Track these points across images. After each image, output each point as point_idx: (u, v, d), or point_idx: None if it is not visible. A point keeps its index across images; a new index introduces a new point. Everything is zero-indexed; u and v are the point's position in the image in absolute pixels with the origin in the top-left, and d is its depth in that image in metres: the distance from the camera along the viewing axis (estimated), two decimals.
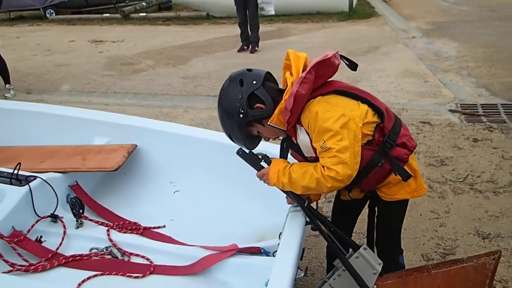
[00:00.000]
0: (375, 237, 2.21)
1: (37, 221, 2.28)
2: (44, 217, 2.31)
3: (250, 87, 1.84)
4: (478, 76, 6.32)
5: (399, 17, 11.51)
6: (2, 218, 2.14)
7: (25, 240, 2.18)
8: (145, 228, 2.51)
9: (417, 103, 5.46)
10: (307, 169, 1.77)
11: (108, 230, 2.33)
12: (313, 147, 1.82)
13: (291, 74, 1.86)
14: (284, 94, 1.81)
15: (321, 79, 1.83)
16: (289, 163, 1.88)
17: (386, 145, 1.83)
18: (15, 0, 13.33)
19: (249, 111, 1.84)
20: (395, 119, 1.92)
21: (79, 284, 2.02)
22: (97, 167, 2.61)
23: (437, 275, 2.18)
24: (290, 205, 2.07)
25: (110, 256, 2.21)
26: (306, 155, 1.93)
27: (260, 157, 1.94)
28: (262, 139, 2.02)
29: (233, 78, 1.89)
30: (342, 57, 1.90)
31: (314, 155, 1.85)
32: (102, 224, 2.43)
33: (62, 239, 2.26)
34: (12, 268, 2.06)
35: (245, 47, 8.60)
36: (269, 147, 2.18)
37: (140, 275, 2.10)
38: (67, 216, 2.40)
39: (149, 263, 2.17)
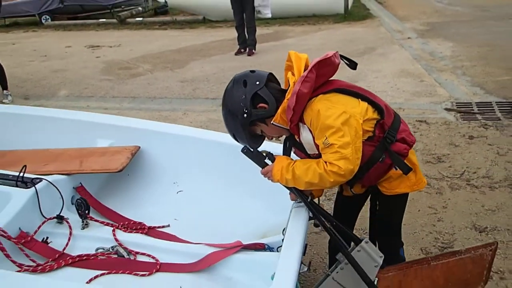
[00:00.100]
0: (377, 231, 2.26)
1: (43, 223, 2.32)
2: (50, 218, 2.36)
3: (253, 88, 1.90)
4: (473, 75, 6.39)
5: (394, 18, 11.59)
6: (9, 219, 2.18)
7: (32, 241, 2.22)
8: (149, 228, 2.55)
9: (414, 102, 5.52)
10: (310, 165, 1.82)
11: (113, 230, 2.37)
12: (315, 144, 1.87)
13: (293, 74, 1.92)
14: (287, 93, 1.87)
15: (322, 78, 1.89)
16: (292, 160, 1.94)
17: (387, 141, 1.89)
18: (10, 7, 13.39)
19: (252, 111, 1.89)
20: (394, 115, 1.98)
21: (89, 280, 2.05)
22: (101, 168, 2.65)
23: (437, 267, 2.24)
24: (293, 201, 2.12)
25: (116, 256, 2.25)
26: (309, 152, 1.99)
27: (264, 154, 2.00)
28: (266, 138, 2.08)
29: (237, 79, 1.95)
30: (342, 56, 1.96)
31: (317, 152, 1.91)
32: (107, 224, 2.48)
33: (69, 240, 2.30)
34: (20, 269, 2.10)
35: (242, 50, 8.65)
36: (273, 147, 2.22)
37: (147, 273, 2.14)
38: (73, 217, 2.44)
39: (155, 261, 2.21)
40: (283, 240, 1.97)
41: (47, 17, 14.60)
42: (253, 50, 8.59)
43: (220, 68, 7.73)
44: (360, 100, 1.90)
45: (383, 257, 2.02)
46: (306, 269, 2.12)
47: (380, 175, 1.98)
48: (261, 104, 1.91)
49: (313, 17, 11.97)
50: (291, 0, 12.03)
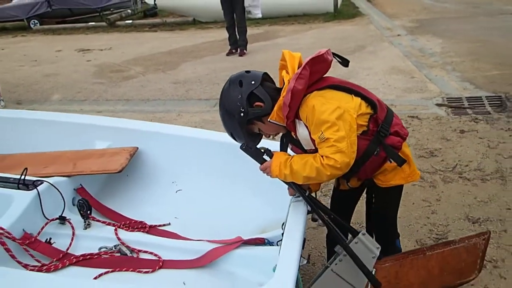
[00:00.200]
0: (374, 223, 2.32)
1: (46, 224, 2.36)
2: (52, 220, 2.39)
3: (249, 87, 1.95)
4: (463, 71, 6.49)
5: (383, 16, 11.69)
6: (13, 221, 2.21)
7: (36, 242, 2.25)
8: (151, 226, 2.59)
9: (405, 98, 5.61)
10: (307, 160, 1.88)
11: (115, 230, 2.41)
12: (312, 139, 1.93)
13: (287, 73, 1.97)
14: (282, 91, 1.92)
15: (316, 74, 1.95)
16: (290, 155, 1.99)
17: (380, 134, 1.95)
18: None
19: (249, 110, 1.94)
20: (387, 109, 2.04)
21: (94, 278, 2.09)
22: (101, 169, 2.69)
23: (432, 257, 2.30)
24: (292, 196, 2.17)
25: (119, 254, 2.29)
26: (305, 148, 2.04)
27: (262, 151, 2.05)
28: (263, 136, 2.13)
29: (233, 80, 2.00)
30: (334, 54, 2.02)
31: (314, 148, 1.96)
32: (109, 224, 2.52)
33: (72, 240, 2.34)
34: (25, 269, 2.14)
35: (233, 51, 8.69)
36: (270, 144, 2.27)
37: (150, 270, 2.19)
38: (75, 218, 2.48)
39: (157, 258, 2.26)
40: (282, 234, 2.02)
41: (36, 21, 14.51)
42: (244, 51, 8.63)
43: (212, 69, 7.77)
44: (353, 95, 1.97)
45: (380, 248, 2.07)
46: (305, 262, 2.18)
47: (375, 168, 2.04)
48: (257, 103, 1.96)
49: (303, 16, 12.03)
50: (281, 0, 12.11)
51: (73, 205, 2.61)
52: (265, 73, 2.05)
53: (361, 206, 2.49)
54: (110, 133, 3.04)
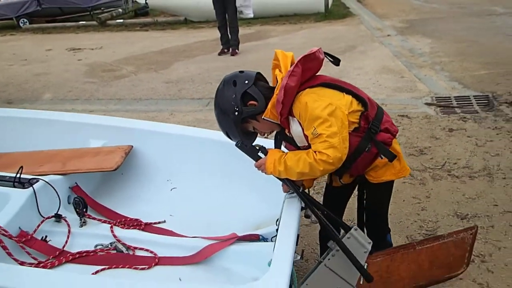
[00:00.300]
0: (365, 218, 2.38)
1: (42, 221, 2.38)
2: (48, 217, 2.41)
3: (243, 87, 1.99)
4: (451, 70, 6.58)
5: (374, 16, 11.78)
6: (9, 219, 2.23)
7: (32, 240, 2.28)
8: (146, 224, 2.62)
9: (395, 97, 5.68)
10: (300, 156, 1.93)
11: (111, 227, 2.43)
12: (305, 135, 1.98)
13: (280, 71, 2.02)
14: (275, 89, 1.97)
15: (308, 72, 2.00)
16: (284, 152, 2.04)
17: (371, 131, 2.01)
18: None
19: (243, 109, 1.99)
20: (377, 107, 2.10)
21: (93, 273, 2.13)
22: (96, 167, 2.71)
23: (422, 251, 2.36)
24: (286, 193, 2.21)
25: (115, 251, 2.32)
26: (299, 145, 2.09)
27: (257, 148, 2.09)
28: (258, 134, 2.18)
29: (227, 80, 2.05)
30: (325, 53, 2.07)
31: (307, 144, 2.01)
32: (104, 222, 2.54)
33: (68, 238, 2.36)
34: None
35: (225, 50, 8.72)
36: (264, 142, 2.31)
37: (146, 266, 2.22)
38: (70, 215, 2.51)
39: (153, 255, 2.29)
40: (277, 230, 2.06)
41: (25, 20, 14.43)
42: (236, 50, 8.66)
43: (204, 68, 7.80)
44: (344, 93, 2.02)
45: (372, 243, 2.13)
46: (299, 257, 2.22)
47: (367, 164, 2.10)
48: (251, 102, 2.01)
49: (295, 16, 12.10)
50: (273, 0, 12.15)
51: (69, 203, 2.63)
52: (258, 73, 2.09)
53: (352, 203, 2.54)
54: (105, 132, 3.06)
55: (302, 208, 2.16)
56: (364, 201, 2.36)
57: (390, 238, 2.46)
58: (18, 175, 2.45)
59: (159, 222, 2.67)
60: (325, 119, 1.87)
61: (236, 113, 1.99)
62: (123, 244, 2.34)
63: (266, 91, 2.03)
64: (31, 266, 2.15)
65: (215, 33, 8.94)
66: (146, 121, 3.26)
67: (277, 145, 2.18)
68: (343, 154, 1.88)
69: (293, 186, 2.08)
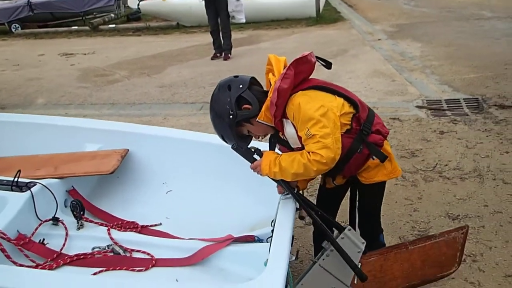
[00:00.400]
0: (357, 218, 2.42)
1: (40, 225, 2.40)
2: (46, 221, 2.44)
3: (237, 91, 2.04)
4: (441, 74, 6.67)
5: (365, 20, 11.88)
6: (8, 222, 2.25)
7: (30, 243, 2.29)
8: (142, 227, 2.65)
9: (386, 101, 5.75)
10: (294, 157, 1.97)
11: (108, 230, 2.46)
12: (299, 137, 2.02)
13: (274, 75, 2.08)
14: (269, 92, 2.02)
15: (300, 75, 2.05)
16: (279, 154, 2.08)
17: (363, 133, 2.06)
18: None
19: (238, 112, 2.04)
20: (368, 109, 2.15)
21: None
22: (93, 171, 2.74)
23: (414, 251, 2.41)
24: (281, 194, 2.25)
25: (112, 253, 2.35)
26: (293, 146, 2.13)
27: (252, 150, 2.14)
28: (253, 138, 2.22)
29: (222, 84, 2.10)
30: (317, 57, 2.12)
31: (300, 146, 2.06)
32: (101, 224, 2.57)
33: (65, 240, 2.38)
34: None
35: (218, 55, 8.76)
36: (259, 145, 2.36)
37: (143, 268, 2.24)
38: (67, 219, 2.53)
39: (150, 257, 2.32)
40: (272, 231, 2.10)
41: (17, 25, 14.35)
42: (229, 55, 8.71)
43: (197, 72, 7.83)
44: (336, 96, 2.08)
45: (365, 243, 2.17)
46: (294, 258, 2.25)
47: (359, 165, 2.15)
48: (245, 106, 2.05)
49: (286, 21, 12.16)
50: (264, 5, 12.23)
51: (65, 206, 2.65)
52: (253, 77, 2.14)
53: (344, 205, 2.59)
54: (100, 136, 3.09)
55: (296, 209, 2.21)
56: (357, 202, 2.41)
57: (383, 238, 2.51)
58: (15, 179, 2.47)
59: (155, 225, 2.70)
60: (318, 120, 1.92)
61: (231, 116, 2.03)
62: (120, 247, 2.37)
63: (260, 95, 2.08)
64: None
65: (208, 38, 8.98)
66: (141, 125, 3.30)
67: (272, 148, 2.22)
68: (336, 155, 1.93)
69: (288, 187, 2.12)
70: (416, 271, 2.45)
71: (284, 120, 2.07)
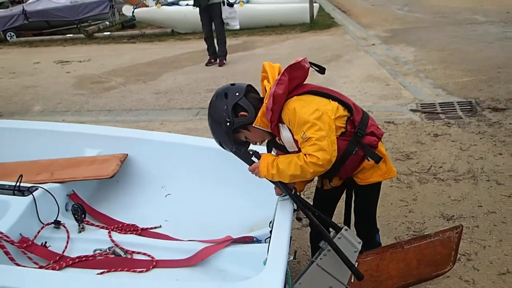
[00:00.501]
0: (353, 219, 2.47)
1: (42, 228, 2.44)
2: (48, 224, 2.48)
3: (234, 99, 2.10)
4: (435, 78, 6.76)
5: (358, 26, 12.00)
6: (11, 225, 2.30)
7: (33, 245, 2.34)
8: (142, 229, 2.69)
9: (381, 105, 5.82)
10: (291, 159, 2.03)
11: (109, 232, 2.50)
12: (295, 140, 2.07)
13: (269, 82, 2.14)
14: (265, 98, 2.07)
15: (294, 80, 2.11)
16: (276, 156, 2.13)
17: (358, 135, 2.12)
18: None
19: (235, 119, 2.10)
20: (362, 112, 2.21)
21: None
22: (93, 175, 2.78)
23: (409, 250, 2.46)
24: (278, 195, 2.30)
25: (113, 255, 2.38)
26: (289, 150, 2.19)
27: (251, 153, 2.19)
28: (250, 144, 2.27)
29: (219, 92, 2.16)
30: (311, 63, 2.18)
31: (297, 149, 2.11)
32: (102, 227, 2.61)
33: (67, 243, 2.42)
34: None
35: (212, 61, 8.82)
36: (257, 149, 2.40)
37: (144, 269, 2.28)
38: (68, 222, 2.57)
39: (151, 258, 2.36)
40: (270, 232, 2.14)
41: (12, 34, 14.40)
42: (224, 61, 8.77)
43: (193, 79, 7.89)
44: (330, 100, 2.13)
45: (362, 243, 2.22)
46: (292, 258, 2.30)
47: (355, 166, 2.20)
48: (242, 113, 2.11)
49: (280, 27, 12.27)
50: (258, 11, 12.33)
51: (66, 210, 2.69)
52: (249, 85, 2.21)
53: (339, 207, 2.63)
54: (99, 141, 3.13)
55: (294, 210, 2.25)
56: (353, 203, 2.45)
57: (379, 238, 2.56)
58: (18, 184, 2.51)
59: (155, 227, 2.74)
60: (313, 123, 1.97)
61: (228, 123, 2.09)
62: (121, 249, 2.41)
63: (256, 102, 2.14)
64: None
65: (202, 44, 9.04)
66: (139, 130, 3.36)
67: (269, 151, 2.28)
68: (332, 157, 1.98)
69: (286, 188, 2.17)
70: (411, 270, 2.50)
71: (280, 125, 2.12)
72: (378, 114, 5.37)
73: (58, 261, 2.30)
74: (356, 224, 2.48)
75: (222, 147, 2.22)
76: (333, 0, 18.15)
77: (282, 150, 2.23)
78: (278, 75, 2.08)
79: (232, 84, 2.18)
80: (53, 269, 2.24)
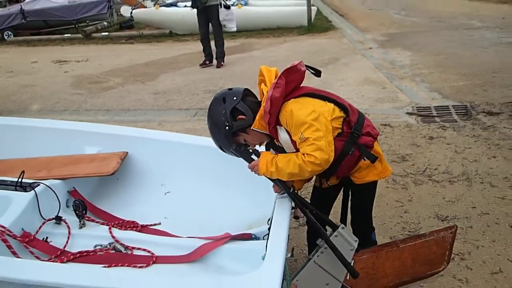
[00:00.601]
0: (350, 218, 2.52)
1: (43, 223, 2.47)
2: (49, 219, 2.51)
3: (232, 103, 2.16)
4: (431, 82, 6.83)
5: (356, 29, 12.09)
6: (13, 220, 2.33)
7: (35, 240, 2.37)
8: (142, 226, 2.72)
9: (377, 108, 5.88)
10: (290, 158, 2.08)
11: (109, 228, 2.53)
12: (293, 141, 2.12)
13: (266, 85, 2.19)
14: (262, 102, 2.13)
15: (291, 84, 2.16)
16: (275, 154, 2.18)
17: (354, 135, 2.17)
18: None
19: (233, 123, 2.16)
20: (358, 113, 2.26)
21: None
22: (94, 172, 2.82)
23: (405, 249, 2.51)
24: (277, 193, 2.34)
25: (114, 251, 2.41)
26: (287, 151, 2.23)
27: (251, 151, 2.23)
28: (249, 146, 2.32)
29: (217, 98, 2.22)
30: (307, 66, 2.23)
31: (295, 151, 2.16)
32: (103, 223, 2.64)
33: (68, 238, 2.45)
34: None
35: (207, 62, 8.84)
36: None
37: (144, 265, 2.31)
38: (69, 218, 2.60)
39: (150, 254, 2.39)
40: (269, 229, 2.19)
41: (10, 33, 14.39)
42: (222, 62, 8.81)
43: (190, 80, 7.93)
44: (327, 101, 2.19)
45: (358, 241, 2.27)
46: (289, 255, 2.34)
47: (351, 166, 2.25)
48: (240, 116, 2.16)
49: (278, 30, 12.33)
50: (256, 14, 12.39)
51: (67, 206, 2.73)
52: (246, 89, 2.26)
53: (336, 207, 2.67)
54: (99, 139, 3.16)
55: (292, 208, 2.30)
56: (350, 202, 2.50)
57: (375, 236, 2.61)
58: (20, 180, 2.54)
59: (154, 224, 2.77)
60: (310, 124, 2.02)
61: (227, 127, 2.15)
62: (122, 244, 2.44)
63: (253, 105, 2.19)
64: None
65: (200, 46, 9.04)
66: (139, 129, 3.38)
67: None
68: (330, 156, 2.03)
69: (284, 186, 2.21)
70: (406, 268, 2.55)
71: (278, 127, 2.18)
72: (375, 117, 5.42)
73: (59, 256, 2.33)
74: (352, 223, 2.53)
75: (223, 150, 2.28)
76: (331, 3, 18.27)
77: (280, 152, 2.28)
78: (275, 78, 2.13)
79: (230, 89, 2.24)
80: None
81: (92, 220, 2.65)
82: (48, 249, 2.36)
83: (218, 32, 8.57)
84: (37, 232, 2.40)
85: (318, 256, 2.22)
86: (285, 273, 1.97)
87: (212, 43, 8.77)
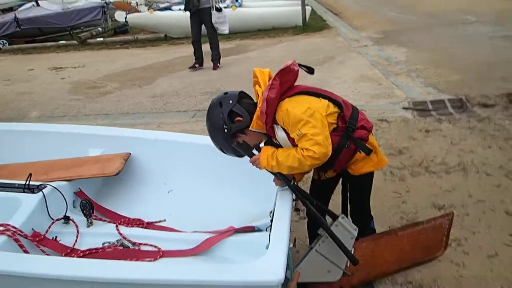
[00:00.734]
0: (349, 208, 2.60)
1: (52, 223, 2.55)
2: (58, 219, 2.59)
3: (228, 106, 2.25)
4: (426, 77, 6.90)
5: (350, 28, 12.15)
6: (23, 221, 2.41)
7: (45, 239, 2.45)
8: (148, 223, 2.80)
9: (374, 104, 5.96)
10: (290, 152, 2.16)
11: (116, 226, 2.61)
12: (290, 139, 2.20)
13: (260, 87, 2.27)
14: (258, 103, 2.21)
15: (285, 84, 2.25)
16: (276, 149, 2.26)
17: (349, 129, 2.26)
18: None
19: (231, 125, 2.25)
20: (352, 108, 2.34)
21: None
22: (99, 173, 2.89)
23: (403, 236, 2.60)
24: (278, 186, 2.42)
25: (122, 247, 2.49)
26: None
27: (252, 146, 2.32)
28: None
29: (214, 103, 2.31)
30: (299, 65, 2.31)
31: (292, 147, 2.23)
32: (109, 222, 2.72)
33: (77, 237, 2.53)
34: None
35: (196, 66, 8.84)
36: None
37: (152, 259, 2.40)
38: (77, 217, 2.68)
39: (157, 249, 2.47)
40: (271, 221, 2.27)
41: (4, 41, 14.36)
42: (218, 64, 8.85)
43: (188, 82, 7.99)
44: (321, 98, 2.27)
45: (357, 230, 2.35)
46: (291, 245, 2.42)
47: (348, 159, 2.34)
48: (237, 118, 2.25)
49: (273, 30, 12.38)
50: (251, 15, 12.47)
51: (74, 207, 2.80)
52: (242, 92, 2.35)
53: (335, 199, 2.75)
54: (103, 141, 3.24)
55: (293, 200, 2.38)
56: (348, 193, 2.59)
57: (373, 225, 2.69)
58: (27, 182, 2.61)
59: (159, 221, 2.85)
60: (307, 120, 2.11)
61: (226, 130, 2.24)
62: (129, 241, 2.52)
63: (249, 106, 2.28)
64: None
65: None
66: (141, 130, 3.47)
67: None
68: (328, 150, 2.11)
69: (284, 178, 2.30)
70: (405, 255, 2.63)
71: (275, 126, 2.26)
72: (371, 113, 5.47)
73: (70, 254, 2.41)
74: (351, 213, 2.61)
75: (224, 152, 2.36)
76: (325, 3, 18.35)
77: None
78: (269, 79, 2.22)
79: (225, 93, 2.33)
80: None
81: (99, 219, 2.73)
82: (59, 247, 2.43)
83: (212, 35, 8.60)
84: (46, 231, 2.48)
85: (319, 245, 2.31)
86: (288, 261, 2.05)
87: (207, 46, 8.81)
